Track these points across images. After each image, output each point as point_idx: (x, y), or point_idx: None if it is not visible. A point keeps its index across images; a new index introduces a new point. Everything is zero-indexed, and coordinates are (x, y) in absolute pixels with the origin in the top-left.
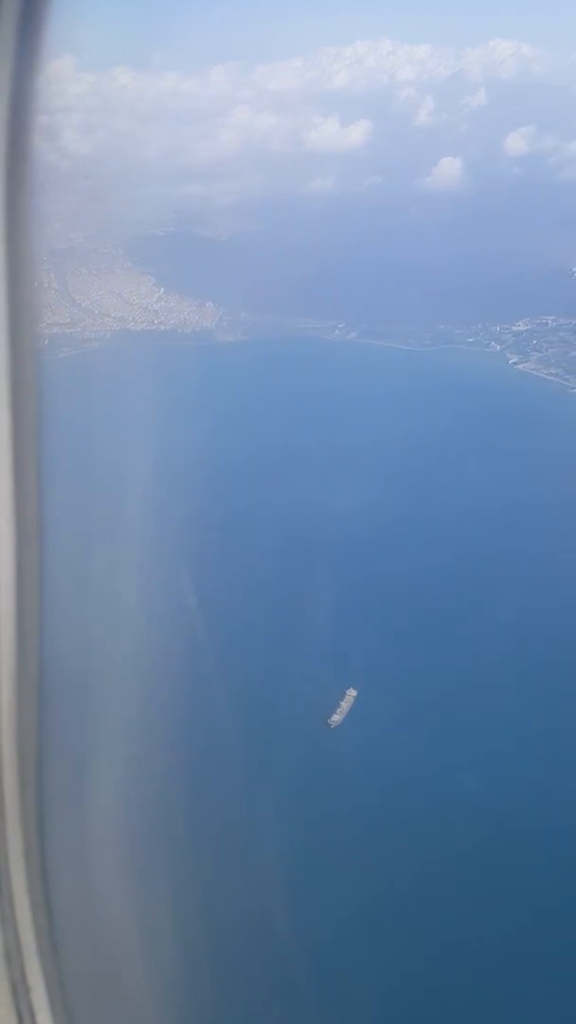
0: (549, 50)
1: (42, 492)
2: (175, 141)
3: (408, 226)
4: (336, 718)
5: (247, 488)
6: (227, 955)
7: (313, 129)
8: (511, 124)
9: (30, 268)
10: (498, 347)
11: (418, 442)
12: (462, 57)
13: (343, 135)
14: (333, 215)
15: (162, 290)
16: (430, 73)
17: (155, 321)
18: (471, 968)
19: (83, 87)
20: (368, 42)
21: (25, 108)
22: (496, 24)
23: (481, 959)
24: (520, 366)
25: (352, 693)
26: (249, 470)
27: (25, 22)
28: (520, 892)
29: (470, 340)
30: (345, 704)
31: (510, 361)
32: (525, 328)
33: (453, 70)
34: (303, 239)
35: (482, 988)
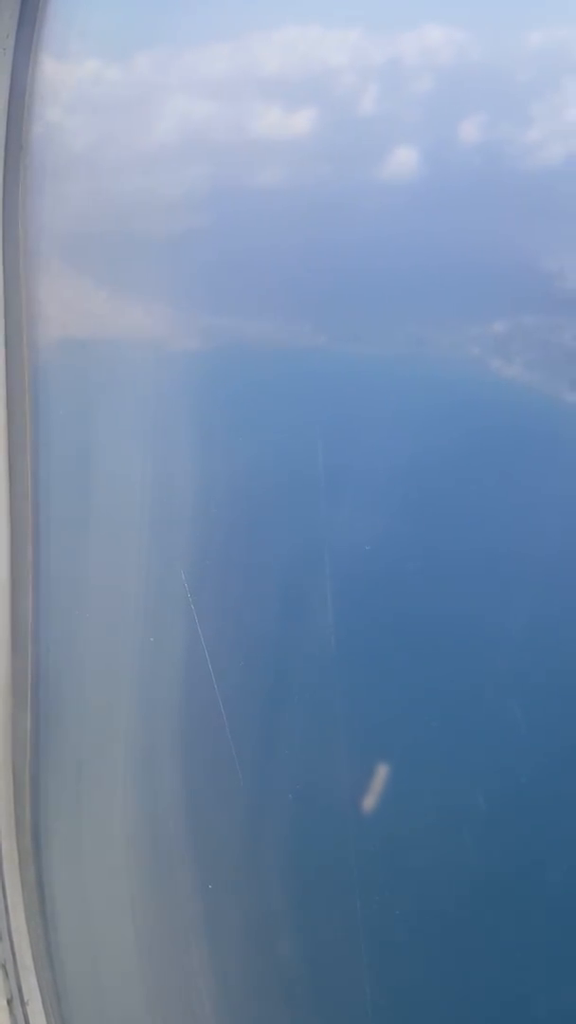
0: (481, 34)
1: None
2: (107, 131)
3: (367, 219)
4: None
5: (210, 522)
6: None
7: (255, 117)
8: (461, 112)
9: None
10: (476, 350)
11: (412, 463)
12: (395, 42)
13: (288, 123)
14: (286, 207)
15: (105, 293)
16: (365, 59)
17: (100, 328)
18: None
19: None
20: (296, 27)
21: None
22: (424, 8)
23: None
24: (502, 371)
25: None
26: (214, 494)
27: None
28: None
29: (447, 343)
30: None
31: (491, 365)
32: (503, 328)
33: (388, 56)
34: (256, 234)
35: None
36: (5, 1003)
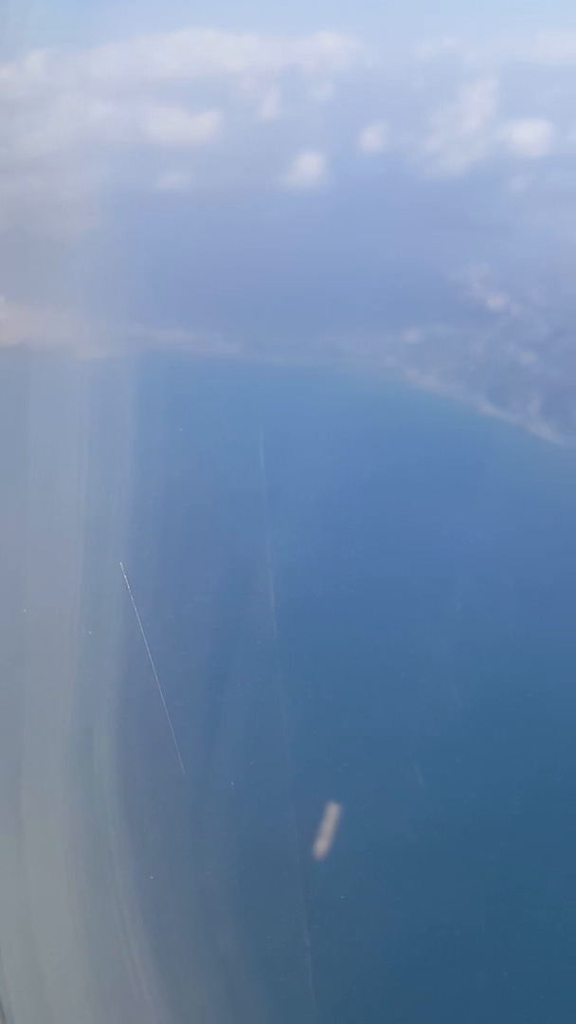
0: (373, 44)
1: None
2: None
3: (274, 226)
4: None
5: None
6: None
7: (156, 120)
8: (361, 119)
9: None
10: (393, 360)
11: (333, 479)
12: (290, 49)
13: (190, 126)
14: (192, 212)
15: (2, 298)
16: (262, 64)
17: None
18: None
19: None
20: (190, 30)
21: None
22: (318, 16)
23: None
24: (421, 382)
25: None
26: (123, 515)
27: None
28: None
29: (362, 353)
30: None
31: (409, 376)
32: (416, 339)
33: (285, 62)
34: (162, 239)
35: None
36: None
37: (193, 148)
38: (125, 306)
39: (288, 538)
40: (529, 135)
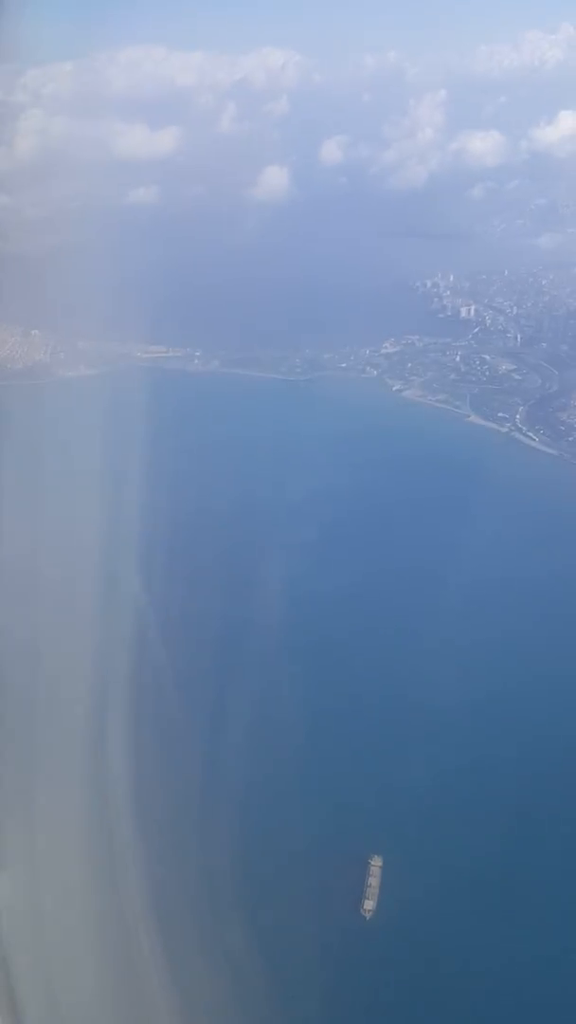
0: (316, 59)
1: None
2: None
3: (245, 240)
4: None
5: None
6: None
7: (119, 135)
8: (320, 133)
9: None
10: (375, 372)
11: (329, 492)
12: (238, 64)
13: (153, 141)
14: (163, 227)
15: None
16: (211, 79)
17: None
18: None
19: None
20: (139, 47)
21: None
22: (262, 32)
23: None
24: (405, 393)
25: None
26: (117, 534)
27: None
28: None
29: (343, 366)
30: None
31: (393, 388)
32: (394, 350)
33: (234, 77)
34: (134, 254)
35: None
36: None
37: (158, 163)
38: (102, 322)
39: (278, 546)
40: (482, 146)
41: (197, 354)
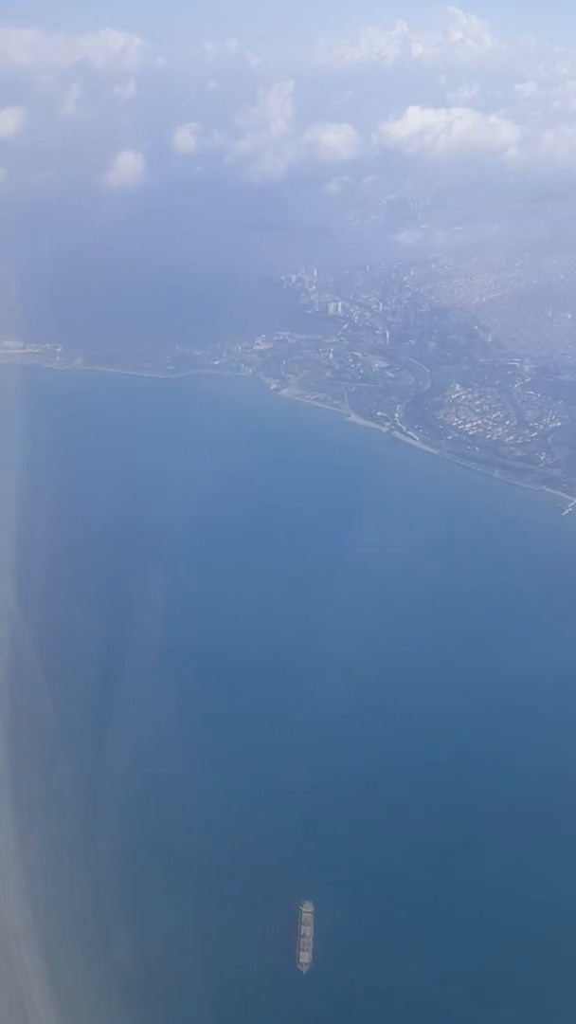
0: (156, 43)
1: None
2: None
3: (101, 229)
4: None
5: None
6: None
7: None
8: (170, 119)
9: None
10: (250, 370)
11: (211, 497)
12: (74, 45)
13: None
14: (9, 214)
15: None
16: (48, 59)
17: None
18: None
19: None
20: None
21: None
22: (98, 13)
23: None
24: (283, 392)
25: None
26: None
27: None
28: None
29: (216, 363)
30: None
31: (271, 387)
32: (267, 347)
33: (74, 58)
34: None
35: None
36: None
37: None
38: None
39: (139, 553)
40: (336, 139)
41: (58, 350)
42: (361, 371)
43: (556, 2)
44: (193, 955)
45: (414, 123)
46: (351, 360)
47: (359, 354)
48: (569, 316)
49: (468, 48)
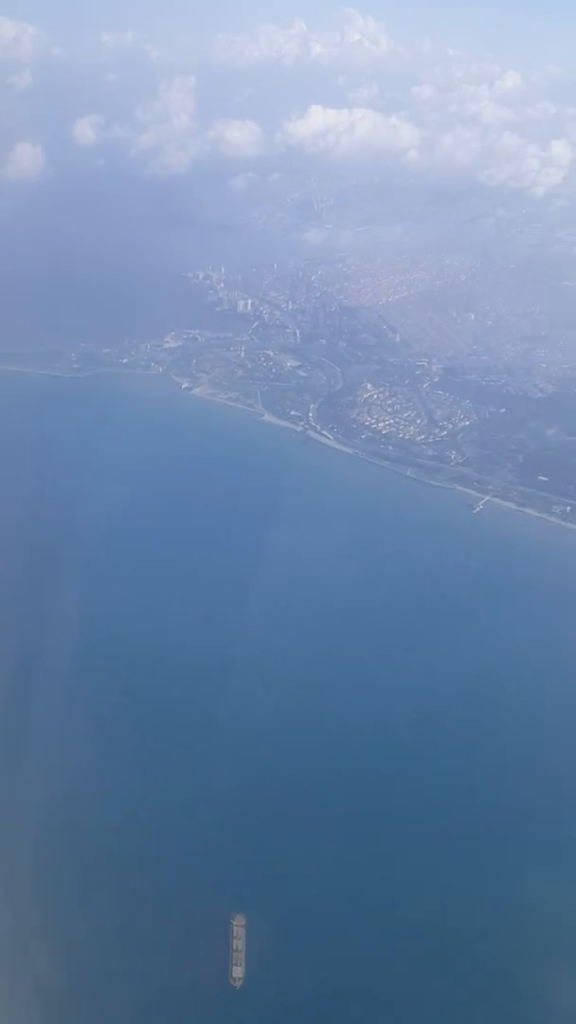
0: (51, 33)
1: None
2: None
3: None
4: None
5: None
6: None
7: None
8: (69, 110)
9: None
10: (160, 368)
11: (125, 501)
12: None
13: None
14: None
15: None
16: None
17: None
18: None
19: None
20: None
21: None
22: None
23: None
24: (195, 391)
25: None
26: None
27: None
28: None
29: (124, 361)
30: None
31: (183, 386)
32: (176, 344)
33: None
34: None
35: None
36: None
37: None
38: None
39: (60, 538)
40: (240, 136)
41: None
42: (273, 370)
43: (447, 6)
44: (120, 972)
45: (317, 122)
46: (263, 359)
47: (270, 353)
48: (472, 317)
49: (366, 50)
